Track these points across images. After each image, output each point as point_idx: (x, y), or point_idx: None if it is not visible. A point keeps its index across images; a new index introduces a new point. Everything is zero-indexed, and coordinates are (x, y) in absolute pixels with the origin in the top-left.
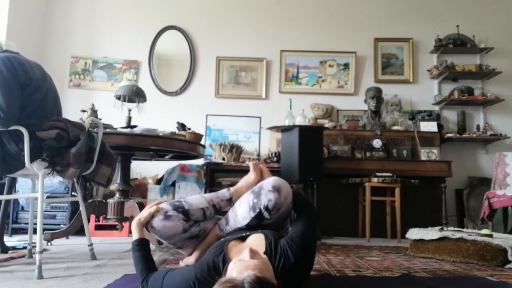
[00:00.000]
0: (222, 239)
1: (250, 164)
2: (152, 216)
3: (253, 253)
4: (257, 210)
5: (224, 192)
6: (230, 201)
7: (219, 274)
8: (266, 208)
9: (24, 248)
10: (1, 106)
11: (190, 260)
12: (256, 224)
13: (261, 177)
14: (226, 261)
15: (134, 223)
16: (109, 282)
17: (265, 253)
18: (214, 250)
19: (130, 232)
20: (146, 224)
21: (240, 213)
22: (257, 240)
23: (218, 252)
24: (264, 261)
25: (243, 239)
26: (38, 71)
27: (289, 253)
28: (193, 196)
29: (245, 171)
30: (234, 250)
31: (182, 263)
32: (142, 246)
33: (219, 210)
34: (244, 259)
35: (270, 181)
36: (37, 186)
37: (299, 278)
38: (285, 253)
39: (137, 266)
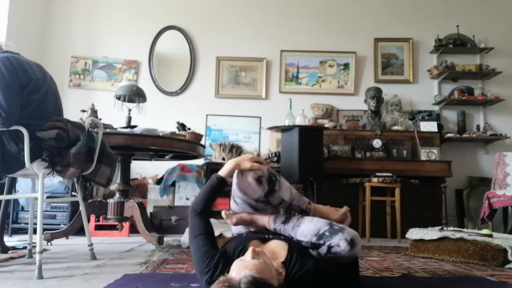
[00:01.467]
0: (245, 235)
1: (344, 208)
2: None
3: (256, 254)
4: (320, 242)
5: (305, 201)
6: (303, 213)
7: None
8: (329, 248)
9: (24, 248)
10: (1, 106)
11: (232, 217)
12: (304, 247)
13: (341, 221)
14: (242, 255)
15: (232, 162)
16: (109, 282)
17: (283, 262)
18: (236, 245)
19: (130, 232)
20: (239, 170)
21: (304, 229)
22: (278, 246)
23: (240, 247)
24: (265, 262)
25: (264, 241)
26: (38, 71)
27: (311, 274)
28: (285, 182)
29: None
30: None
31: (224, 215)
32: (218, 184)
33: (289, 210)
34: (245, 259)
35: (352, 232)
36: (37, 186)
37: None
38: (306, 271)
39: (200, 195)
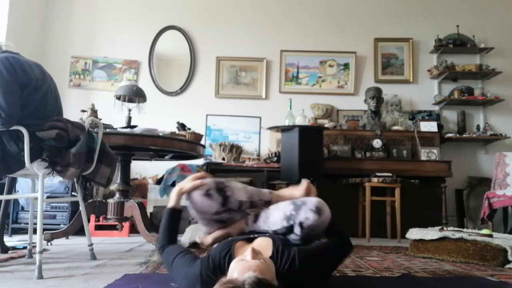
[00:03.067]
0: (230, 238)
1: (304, 182)
2: (195, 188)
3: (255, 254)
4: (291, 223)
5: (265, 193)
6: (268, 204)
7: (222, 273)
8: (301, 224)
9: (24, 248)
10: (2, 106)
11: (206, 239)
12: (282, 234)
13: (306, 195)
14: (231, 260)
15: (175, 191)
16: (109, 282)
17: (271, 257)
18: (221, 248)
19: (130, 232)
20: (186, 194)
21: (273, 218)
22: (264, 243)
23: (225, 250)
24: (266, 262)
25: (250, 240)
26: (37, 71)
27: (297, 261)
28: (236, 184)
29: (245, 171)
30: (241, 250)
31: (198, 240)
32: (172, 215)
33: (253, 208)
34: (246, 259)
35: (314, 201)
36: (37, 186)
37: (304, 282)
38: (292, 260)
39: (161, 232)
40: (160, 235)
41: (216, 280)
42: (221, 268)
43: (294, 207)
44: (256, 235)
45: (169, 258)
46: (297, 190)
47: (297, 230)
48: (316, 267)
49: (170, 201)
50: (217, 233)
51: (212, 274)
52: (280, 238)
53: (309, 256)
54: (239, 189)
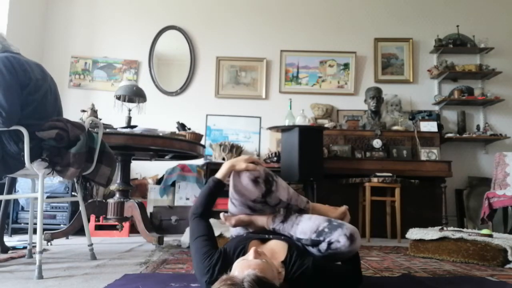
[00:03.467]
0: (245, 235)
1: (343, 207)
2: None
3: (257, 254)
4: (320, 239)
5: (303, 201)
6: (302, 212)
7: (230, 267)
8: (329, 244)
9: (24, 248)
10: (2, 106)
11: (230, 220)
12: (305, 244)
13: (340, 220)
14: (242, 255)
15: (227, 164)
16: (109, 282)
17: (283, 261)
18: (237, 244)
19: (130, 232)
20: (236, 172)
21: (303, 226)
22: (278, 246)
23: (240, 247)
24: (267, 262)
25: (264, 241)
26: (38, 71)
27: (308, 272)
28: (282, 183)
29: None
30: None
31: (222, 217)
32: (216, 186)
33: (287, 210)
34: (247, 258)
35: (351, 228)
36: (37, 186)
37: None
38: (304, 269)
39: (199, 199)
40: (197, 201)
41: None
42: (231, 262)
43: (329, 225)
44: (271, 236)
45: (194, 232)
46: (334, 212)
47: (323, 247)
48: (324, 283)
49: (219, 172)
50: (242, 217)
51: (221, 266)
52: (297, 245)
53: (322, 271)
54: (283, 187)
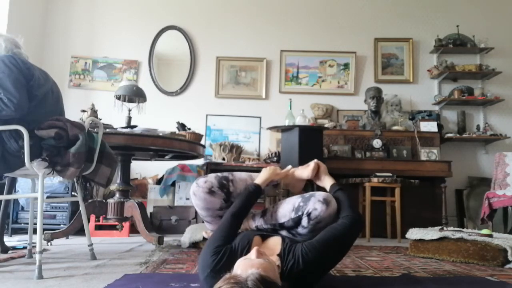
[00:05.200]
0: (250, 231)
1: (312, 162)
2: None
3: (260, 253)
4: (299, 213)
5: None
6: (276, 187)
7: (233, 264)
8: (309, 215)
9: (24, 248)
10: (13, 95)
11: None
12: (290, 227)
13: (316, 177)
14: (247, 249)
15: (269, 171)
16: (109, 282)
17: (278, 255)
18: (241, 240)
19: (130, 232)
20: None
21: (281, 211)
22: (275, 242)
23: (245, 242)
24: (269, 262)
25: (264, 238)
26: (40, 72)
27: (300, 259)
28: (240, 176)
29: (245, 171)
30: (255, 245)
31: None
32: (255, 191)
33: (262, 194)
34: (250, 258)
35: (323, 193)
36: (37, 186)
37: (307, 282)
38: (297, 259)
39: (237, 201)
40: (236, 202)
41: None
42: (235, 257)
43: (302, 199)
44: (271, 234)
45: (220, 224)
46: (305, 169)
47: (304, 221)
48: (320, 263)
49: (259, 178)
50: None
51: (226, 261)
52: (289, 237)
53: (313, 254)
54: (242, 180)
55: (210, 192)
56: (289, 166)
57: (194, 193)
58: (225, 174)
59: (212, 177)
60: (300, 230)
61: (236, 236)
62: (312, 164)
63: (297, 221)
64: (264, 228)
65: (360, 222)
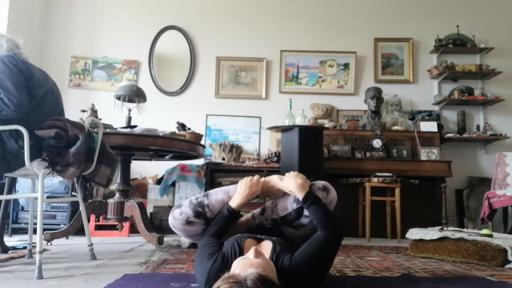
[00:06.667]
0: (240, 234)
1: (288, 175)
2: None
3: (258, 253)
4: (300, 205)
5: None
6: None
7: (228, 267)
8: None
9: (24, 248)
10: (13, 94)
11: None
12: (292, 219)
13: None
14: (240, 255)
15: (242, 194)
16: (109, 282)
17: (269, 257)
18: (232, 244)
19: (130, 232)
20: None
21: (281, 204)
22: (267, 246)
23: (237, 245)
24: (267, 261)
25: (258, 240)
26: (40, 72)
27: (291, 271)
28: (217, 197)
29: (245, 171)
30: (249, 247)
31: None
32: (230, 217)
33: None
34: (249, 257)
35: (321, 182)
36: (37, 186)
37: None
38: (288, 269)
39: (212, 228)
40: (210, 228)
41: (220, 275)
42: (228, 261)
43: None
44: (263, 237)
45: (203, 241)
46: (291, 184)
47: (306, 211)
48: (311, 271)
49: (234, 201)
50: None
51: (220, 271)
52: (280, 241)
53: (302, 265)
54: (219, 202)
55: (188, 223)
56: (270, 177)
57: (173, 226)
58: (200, 198)
59: (186, 206)
60: (303, 220)
61: (222, 244)
62: (292, 175)
63: (299, 212)
64: (264, 224)
65: (340, 238)
